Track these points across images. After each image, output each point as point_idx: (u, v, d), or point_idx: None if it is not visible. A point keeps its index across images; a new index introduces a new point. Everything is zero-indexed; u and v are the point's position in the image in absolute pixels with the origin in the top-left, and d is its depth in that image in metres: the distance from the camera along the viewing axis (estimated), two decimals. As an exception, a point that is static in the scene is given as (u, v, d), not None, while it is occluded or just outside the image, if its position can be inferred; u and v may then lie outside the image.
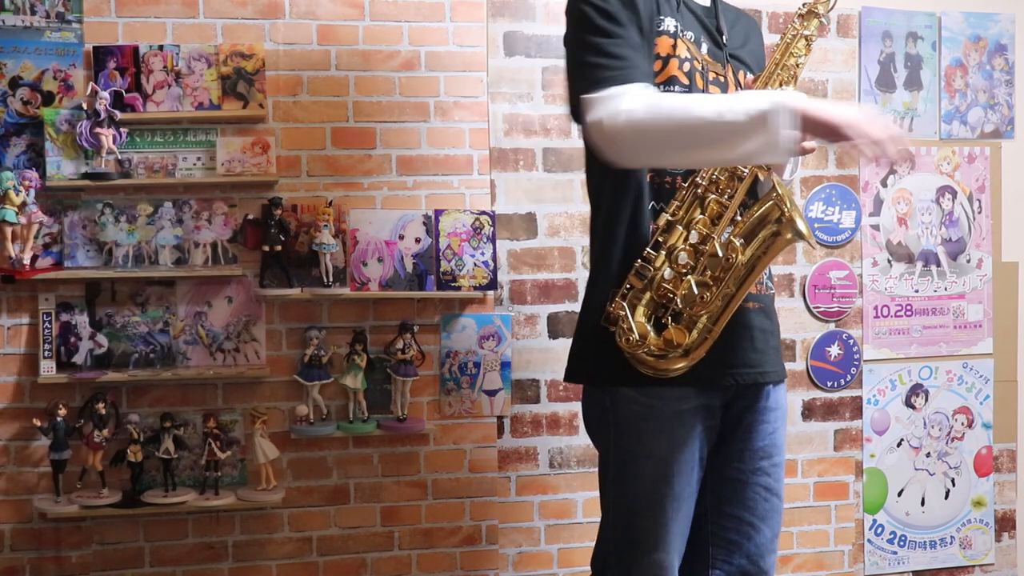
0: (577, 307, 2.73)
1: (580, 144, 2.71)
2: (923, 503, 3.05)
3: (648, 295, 1.71)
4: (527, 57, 2.73)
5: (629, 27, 1.70)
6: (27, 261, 2.41)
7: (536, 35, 2.73)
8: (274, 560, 2.63)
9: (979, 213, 3.06)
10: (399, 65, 2.66)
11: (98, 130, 2.43)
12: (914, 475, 3.04)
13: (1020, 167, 3.08)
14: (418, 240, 2.63)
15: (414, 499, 2.70)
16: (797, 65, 1.77)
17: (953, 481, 3.07)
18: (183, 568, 2.59)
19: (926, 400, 3.04)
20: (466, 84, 2.70)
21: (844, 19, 2.94)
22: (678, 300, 1.69)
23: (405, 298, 2.64)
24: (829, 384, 2.96)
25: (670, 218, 1.72)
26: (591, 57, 1.68)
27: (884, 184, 2.99)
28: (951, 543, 3.07)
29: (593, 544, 1.87)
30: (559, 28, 2.70)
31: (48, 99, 2.49)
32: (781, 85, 1.74)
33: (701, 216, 1.71)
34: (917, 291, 3.03)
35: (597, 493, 1.88)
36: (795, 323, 2.93)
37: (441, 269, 2.63)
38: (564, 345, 2.72)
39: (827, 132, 1.57)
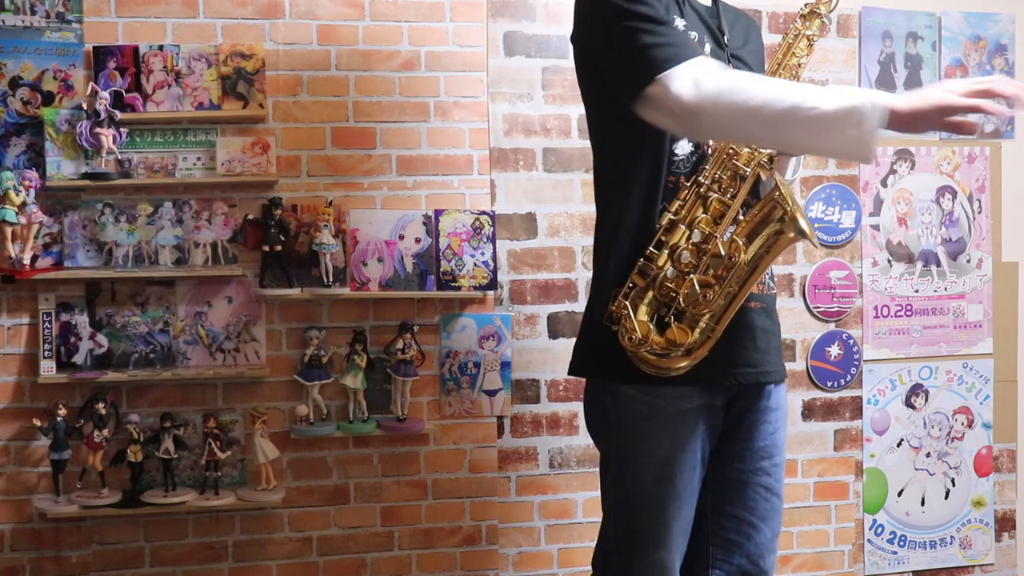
0: (577, 307, 2.75)
1: (580, 144, 2.75)
2: (923, 503, 3.05)
3: (651, 294, 1.72)
4: (527, 57, 2.73)
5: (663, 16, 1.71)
6: (27, 261, 2.41)
7: (536, 35, 2.73)
8: (274, 560, 2.63)
9: (979, 213, 3.06)
10: (399, 65, 2.66)
11: (98, 130, 2.43)
12: (914, 475, 3.04)
13: (1020, 167, 3.08)
14: (418, 240, 2.63)
15: (414, 499, 2.70)
16: (799, 65, 1.78)
17: (953, 481, 3.07)
18: (183, 568, 2.59)
19: (926, 400, 3.04)
20: (466, 84, 2.70)
21: (844, 19, 2.94)
22: (681, 299, 1.70)
23: (405, 298, 2.64)
24: (829, 384, 2.96)
25: (673, 217, 1.72)
26: (649, 39, 1.64)
27: (884, 184, 2.99)
28: (951, 543, 3.07)
29: (593, 544, 1.87)
30: (559, 28, 2.74)
31: (48, 99, 2.49)
32: None
33: (704, 215, 1.71)
34: (917, 291, 3.03)
35: (597, 493, 1.89)
36: (795, 323, 2.93)
37: (441, 269, 2.63)
38: (564, 345, 2.74)
39: (919, 123, 1.54)
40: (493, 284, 2.65)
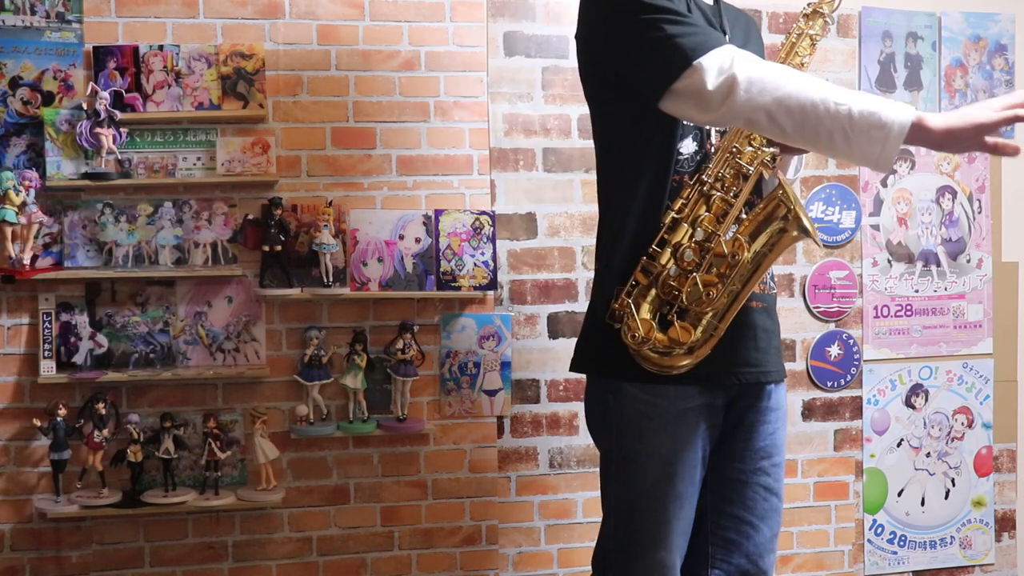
0: (577, 307, 2.75)
1: (580, 144, 2.75)
2: (923, 503, 3.05)
3: (653, 292, 1.72)
4: (527, 57, 2.73)
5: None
6: (27, 261, 2.41)
7: (536, 35, 2.73)
8: (274, 560, 2.63)
9: (979, 213, 3.06)
10: (399, 65, 2.66)
11: (98, 130, 2.43)
12: (914, 475, 3.04)
13: (1020, 167, 3.08)
14: (418, 240, 2.63)
15: (414, 499, 2.70)
16: (802, 64, 1.78)
17: (953, 481, 3.07)
18: (183, 568, 2.59)
19: (926, 400, 3.04)
20: (466, 84, 2.70)
21: (844, 19, 2.94)
22: (684, 297, 1.70)
23: (405, 298, 2.64)
24: (829, 384, 2.96)
25: (676, 215, 1.72)
26: (675, 28, 1.63)
27: (884, 184, 2.99)
28: (951, 543, 3.07)
29: (593, 544, 1.87)
30: (559, 28, 2.74)
31: (48, 99, 2.49)
32: None
33: (707, 213, 1.72)
34: (917, 291, 3.03)
35: (597, 493, 1.89)
36: (795, 323, 2.93)
37: (441, 269, 2.63)
38: (564, 345, 2.74)
39: (957, 142, 1.55)
40: (493, 284, 2.65)
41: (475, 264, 2.64)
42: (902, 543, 3.03)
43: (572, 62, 2.71)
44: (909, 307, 3.02)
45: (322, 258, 2.55)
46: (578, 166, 2.76)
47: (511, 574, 2.76)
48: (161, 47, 2.52)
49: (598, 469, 1.89)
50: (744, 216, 1.74)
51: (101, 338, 2.52)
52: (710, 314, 1.71)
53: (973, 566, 3.09)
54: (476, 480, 2.72)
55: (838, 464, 2.98)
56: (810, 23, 1.81)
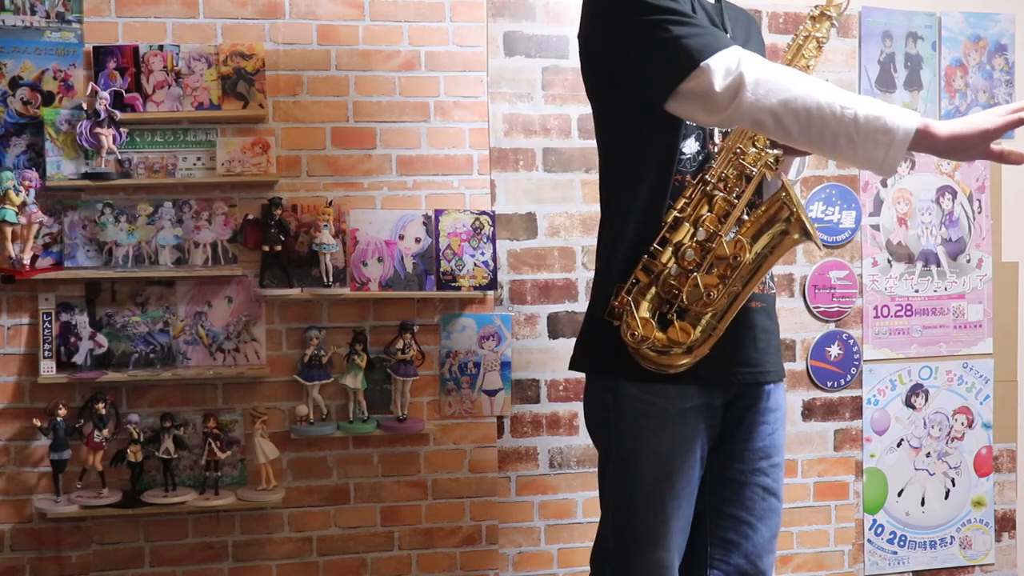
0: (577, 307, 2.75)
1: (580, 144, 2.75)
2: (923, 503, 3.05)
3: (653, 290, 1.72)
4: (527, 57, 2.73)
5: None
6: (27, 261, 2.41)
7: (536, 35, 2.73)
8: (274, 560, 2.63)
9: (979, 213, 3.06)
10: (399, 65, 2.66)
11: (98, 130, 2.43)
12: (914, 475, 3.04)
13: (1020, 167, 3.07)
14: (418, 240, 2.63)
15: (414, 499, 2.70)
16: (808, 67, 1.79)
17: (953, 481, 3.07)
18: (183, 568, 2.59)
19: (926, 400, 3.04)
20: (466, 84, 2.70)
21: (844, 19, 2.93)
22: (684, 297, 1.70)
23: (405, 298, 2.64)
24: (829, 384, 2.96)
25: (678, 214, 1.72)
26: (681, 30, 1.63)
27: (884, 184, 2.99)
28: (951, 543, 3.07)
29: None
30: (559, 28, 2.74)
31: (48, 99, 2.49)
32: None
33: (709, 214, 1.72)
34: (917, 291, 3.03)
35: (597, 493, 1.89)
36: (795, 323, 2.93)
37: (441, 269, 2.63)
38: (564, 345, 2.74)
39: (964, 149, 1.55)
40: (493, 284, 2.65)
41: (475, 264, 2.64)
42: (902, 543, 3.03)
43: (572, 62, 2.73)
44: (909, 307, 3.02)
45: (322, 258, 2.55)
46: (578, 166, 2.76)
47: (511, 574, 2.76)
48: (161, 47, 2.52)
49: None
50: (746, 217, 1.74)
51: (101, 338, 2.52)
52: (710, 314, 1.71)
53: (973, 566, 3.09)
54: (476, 480, 2.72)
55: (838, 464, 2.98)
56: (817, 25, 1.81)
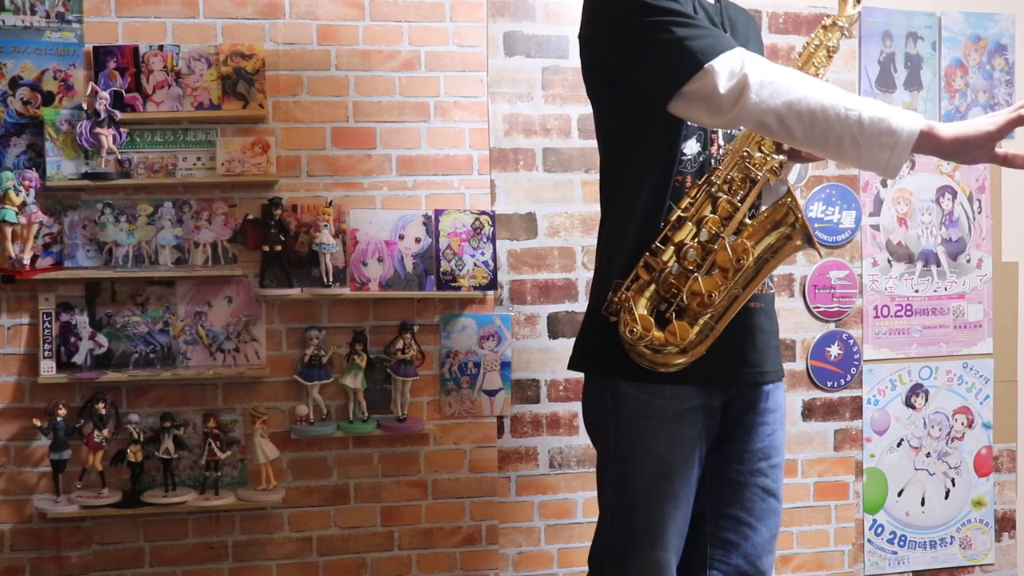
0: (577, 307, 2.75)
1: (580, 144, 2.75)
2: (923, 503, 3.05)
3: (653, 288, 1.72)
4: (527, 57, 2.73)
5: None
6: (27, 261, 2.41)
7: (536, 35, 2.73)
8: (274, 560, 2.63)
9: (979, 213, 3.06)
10: (399, 65, 2.66)
11: (98, 130, 2.43)
12: (914, 475, 3.04)
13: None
14: (418, 240, 2.63)
15: (414, 499, 2.70)
16: (817, 74, 1.79)
17: (953, 481, 3.07)
18: (183, 568, 2.59)
19: (926, 400, 3.04)
20: (466, 84, 2.70)
21: (844, 19, 2.94)
22: (684, 296, 1.70)
23: (405, 298, 2.64)
24: (829, 384, 2.96)
25: (682, 214, 1.73)
26: (684, 31, 1.62)
27: (884, 184, 2.99)
28: (951, 543, 3.07)
29: (593, 544, 1.88)
30: (559, 28, 2.74)
31: (48, 99, 2.49)
32: None
33: (712, 215, 1.72)
34: (917, 291, 3.03)
35: (597, 493, 1.89)
36: (795, 323, 2.93)
37: (441, 269, 2.63)
38: (564, 345, 2.74)
39: (968, 151, 1.56)
40: (493, 284, 2.65)
41: (475, 264, 2.64)
42: (902, 543, 3.03)
43: (572, 62, 2.73)
44: (909, 307, 3.02)
45: (322, 258, 2.55)
46: (578, 166, 2.76)
47: (511, 574, 2.76)
48: (161, 47, 2.52)
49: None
50: (747, 221, 1.75)
51: (101, 338, 2.52)
52: (709, 315, 1.71)
53: (973, 566, 3.09)
54: (476, 480, 2.72)
55: (838, 464, 2.98)
56: (828, 35, 1.82)
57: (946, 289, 3.05)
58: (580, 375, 1.94)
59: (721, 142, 1.81)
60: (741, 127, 1.74)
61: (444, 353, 2.69)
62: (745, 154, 1.73)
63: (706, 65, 1.60)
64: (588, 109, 1.93)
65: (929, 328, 3.04)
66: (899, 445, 3.03)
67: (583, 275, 2.77)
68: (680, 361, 1.72)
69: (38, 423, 2.41)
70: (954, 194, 3.04)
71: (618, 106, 1.81)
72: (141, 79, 2.51)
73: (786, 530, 2.89)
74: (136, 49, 2.51)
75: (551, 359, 2.76)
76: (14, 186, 2.38)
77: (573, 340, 1.93)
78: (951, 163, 3.02)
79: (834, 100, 1.56)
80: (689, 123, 1.75)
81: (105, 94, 2.43)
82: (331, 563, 2.66)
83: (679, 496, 1.76)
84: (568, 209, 2.76)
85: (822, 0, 2.89)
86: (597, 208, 1.91)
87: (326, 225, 2.53)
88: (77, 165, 2.48)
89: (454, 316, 2.69)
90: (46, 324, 2.48)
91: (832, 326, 2.97)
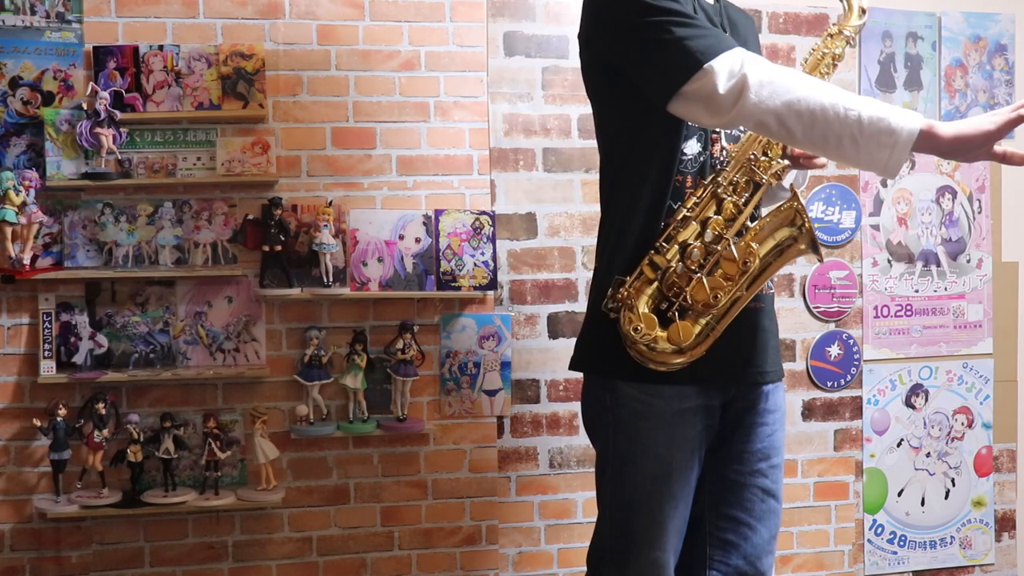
0: (577, 307, 2.75)
1: (580, 144, 2.75)
2: (923, 503, 3.05)
3: (655, 286, 1.72)
4: (527, 57, 2.73)
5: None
6: (27, 261, 2.42)
7: (536, 35, 2.73)
8: (274, 560, 2.63)
9: (979, 213, 3.06)
10: (399, 65, 2.66)
11: (98, 130, 2.43)
12: (914, 475, 3.04)
13: (1021, 167, 3.08)
14: (418, 240, 2.63)
15: (414, 499, 2.70)
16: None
17: (953, 481, 3.07)
18: (183, 568, 2.59)
19: (926, 400, 3.04)
20: (466, 84, 2.70)
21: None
22: (688, 296, 1.70)
23: (405, 298, 2.64)
24: (829, 384, 2.96)
25: (687, 213, 1.73)
26: (683, 31, 1.62)
27: (884, 184, 2.99)
28: (951, 543, 3.07)
29: (593, 544, 1.88)
30: (559, 28, 2.74)
31: (48, 99, 2.49)
32: None
33: (716, 216, 1.72)
34: (917, 291, 3.03)
35: (596, 493, 1.89)
36: (795, 323, 2.93)
37: (441, 269, 2.63)
38: (564, 345, 2.74)
39: (968, 150, 1.57)
40: (493, 284, 2.65)
41: (475, 264, 2.64)
42: (902, 543, 3.03)
43: (572, 62, 2.73)
44: (909, 307, 3.02)
45: (322, 258, 2.55)
46: (578, 166, 2.76)
47: (511, 574, 2.76)
48: (161, 47, 2.52)
49: (595, 468, 1.90)
50: (750, 223, 1.75)
51: (101, 338, 2.52)
52: (710, 315, 1.71)
53: (973, 566, 3.09)
54: (476, 480, 2.72)
55: (838, 464, 2.98)
56: (834, 43, 1.82)
57: (946, 289, 3.05)
58: (580, 375, 1.94)
59: (724, 143, 1.80)
60: (741, 127, 1.74)
61: (444, 353, 2.69)
62: (752, 157, 1.73)
63: (705, 65, 1.60)
64: (588, 109, 1.93)
65: (929, 328, 3.04)
66: (899, 445, 3.03)
67: (583, 275, 2.77)
68: (679, 361, 1.71)
69: (38, 423, 2.41)
70: (954, 194, 3.04)
71: (618, 106, 1.81)
72: (141, 79, 2.51)
73: (786, 530, 2.89)
74: (136, 49, 2.51)
75: (551, 359, 2.76)
76: (14, 186, 2.38)
77: (573, 340, 1.93)
78: (951, 163, 3.02)
79: (833, 100, 1.56)
80: (689, 123, 1.75)
81: (105, 94, 2.43)
82: (331, 563, 2.66)
83: (678, 496, 1.76)
84: (568, 209, 2.76)
85: (822, 0, 2.89)
86: (597, 208, 1.91)
87: (326, 225, 2.53)
88: (77, 165, 2.48)
89: (454, 316, 2.69)
90: (46, 324, 2.48)
91: (832, 326, 2.97)
